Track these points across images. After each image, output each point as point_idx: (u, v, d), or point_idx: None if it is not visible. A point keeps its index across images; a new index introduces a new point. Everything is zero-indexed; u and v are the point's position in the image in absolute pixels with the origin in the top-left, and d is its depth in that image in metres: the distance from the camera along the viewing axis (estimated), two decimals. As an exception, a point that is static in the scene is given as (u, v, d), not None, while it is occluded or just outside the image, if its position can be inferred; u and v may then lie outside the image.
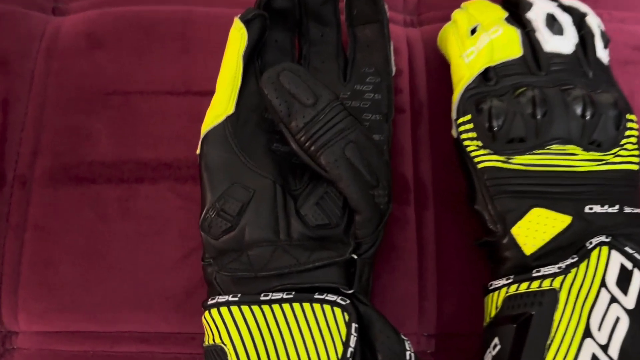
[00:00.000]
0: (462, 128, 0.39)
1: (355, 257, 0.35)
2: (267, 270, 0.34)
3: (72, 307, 0.40)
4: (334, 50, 0.42)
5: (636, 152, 0.38)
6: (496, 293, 0.36)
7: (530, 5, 0.41)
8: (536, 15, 0.40)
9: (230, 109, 0.37)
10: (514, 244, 0.36)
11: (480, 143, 0.38)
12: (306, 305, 0.33)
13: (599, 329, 0.32)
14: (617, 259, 0.33)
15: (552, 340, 0.32)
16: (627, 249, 0.34)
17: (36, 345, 0.40)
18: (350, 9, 0.42)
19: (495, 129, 0.38)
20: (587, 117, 0.37)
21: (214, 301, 0.34)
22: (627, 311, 0.32)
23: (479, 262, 0.40)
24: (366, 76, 0.41)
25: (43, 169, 0.42)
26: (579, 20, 0.41)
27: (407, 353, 0.33)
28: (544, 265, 0.34)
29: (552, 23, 0.40)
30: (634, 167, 0.37)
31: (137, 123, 0.43)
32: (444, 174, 0.43)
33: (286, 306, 0.33)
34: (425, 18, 0.50)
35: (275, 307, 0.32)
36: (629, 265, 0.33)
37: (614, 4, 0.49)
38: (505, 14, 0.41)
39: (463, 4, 0.43)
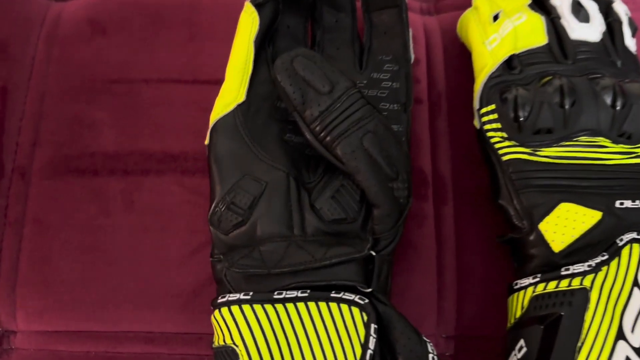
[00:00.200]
0: (485, 118, 0.38)
1: (374, 253, 0.34)
2: (280, 267, 0.33)
3: (72, 306, 0.39)
4: (349, 37, 0.41)
5: (668, 145, 0.36)
6: (522, 292, 0.35)
7: (554, -9, 0.40)
8: (561, 2, 0.39)
9: (241, 97, 0.36)
10: (542, 241, 0.35)
11: (505, 134, 0.37)
12: (322, 305, 0.32)
13: (632, 330, 0.31)
14: (650, 257, 0.32)
15: (582, 343, 0.31)
16: (660, 246, 0.32)
17: (35, 345, 0.40)
18: (366, -7, 0.40)
19: (521, 119, 0.36)
20: (618, 108, 0.36)
21: (224, 299, 0.33)
22: (662, 312, 0.31)
23: (501, 259, 0.39)
24: (383, 64, 0.40)
25: (43, 160, 0.42)
26: (605, 7, 0.41)
27: (430, 356, 0.32)
28: (572, 263, 0.33)
29: (578, 10, 0.39)
30: (666, 160, 0.36)
31: (142, 112, 0.43)
32: (464, 168, 0.42)
33: (301, 305, 0.32)
34: (442, 5, 0.49)
35: (290, 306, 0.32)
36: (662, 263, 0.32)
37: (641, -9, 0.49)
38: (529, 0, 0.40)
39: (484, -10, 0.42)
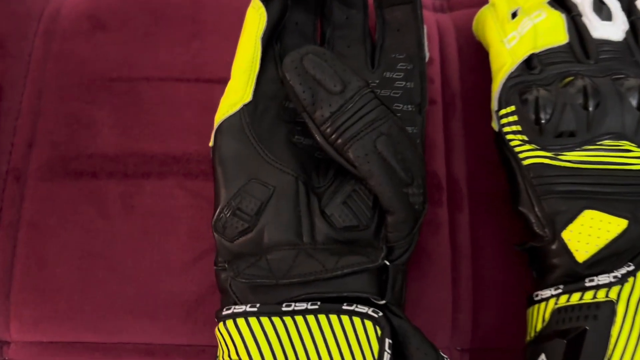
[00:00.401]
0: (504, 120, 0.37)
1: (388, 263, 0.33)
2: (289, 277, 0.32)
3: (69, 315, 0.38)
4: (360, 34, 0.40)
5: (695, 150, 0.35)
6: (542, 304, 0.34)
7: (574, -12, 0.39)
8: (582, -1, 0.38)
9: (248, 97, 0.35)
10: (565, 250, 0.34)
11: (525, 137, 0.36)
12: (333, 317, 0.31)
13: (663, 346, 0.30)
14: (678, 268, 0.31)
15: (609, 359, 0.30)
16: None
17: (29, 356, 0.39)
18: (378, -12, 0.40)
19: (542, 121, 0.35)
20: (644, 110, 0.35)
21: (229, 311, 0.32)
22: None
23: (519, 269, 0.38)
24: (397, 62, 0.39)
25: (39, 161, 0.41)
26: (628, 4, 0.39)
27: (448, 372, 0.31)
28: (597, 274, 0.32)
29: (600, 7, 0.38)
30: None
31: (143, 112, 0.42)
32: (480, 172, 0.41)
33: (311, 318, 0.31)
34: (456, 3, 0.48)
35: (299, 318, 0.31)
36: (691, 274, 0.31)
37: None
38: (548, -3, 0.39)
39: (502, -14, 0.41)
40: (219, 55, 0.41)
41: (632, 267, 0.32)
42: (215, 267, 0.35)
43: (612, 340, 0.30)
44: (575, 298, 0.32)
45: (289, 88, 0.33)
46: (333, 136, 0.32)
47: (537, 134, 0.36)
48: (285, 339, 0.31)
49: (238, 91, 0.36)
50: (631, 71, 0.37)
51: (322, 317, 0.31)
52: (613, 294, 0.31)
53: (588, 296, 0.32)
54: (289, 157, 0.35)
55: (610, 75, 0.36)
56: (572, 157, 0.35)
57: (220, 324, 0.32)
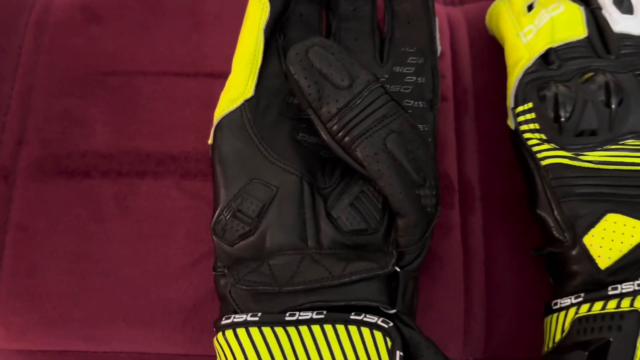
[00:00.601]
0: (521, 118, 0.37)
1: (398, 269, 0.33)
2: (293, 284, 0.31)
3: (59, 322, 0.38)
4: (367, 27, 0.39)
5: None
6: (562, 314, 0.33)
7: (594, -20, 0.39)
8: (602, -8, 0.38)
9: (249, 92, 0.35)
10: (586, 256, 0.33)
11: (543, 136, 0.36)
12: (340, 328, 0.30)
13: (692, 359, 0.29)
14: None
15: None
16: None
17: None
18: (387, -22, 0.39)
19: (562, 119, 0.35)
20: (668, 109, 0.35)
21: (228, 320, 0.31)
22: None
23: (535, 275, 0.38)
24: (407, 56, 0.38)
25: (29, 159, 0.41)
26: None
27: (463, 387, 0.29)
28: (620, 282, 0.32)
29: (621, 0, 0.38)
30: None
31: (139, 108, 0.42)
32: (494, 172, 0.41)
33: (316, 328, 0.30)
34: None
35: (303, 329, 0.30)
36: None
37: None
38: (566, -11, 0.39)
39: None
40: (219, 49, 0.41)
41: (657, 275, 0.31)
42: (214, 273, 0.34)
43: (638, 353, 0.29)
44: (597, 307, 0.31)
45: (294, 82, 0.32)
46: (340, 134, 0.31)
47: (556, 133, 0.35)
48: (289, 350, 0.30)
49: (239, 86, 0.35)
50: (654, 67, 0.37)
51: (328, 328, 0.30)
52: (638, 303, 0.30)
53: (611, 305, 0.31)
54: (293, 156, 0.34)
55: (632, 71, 0.36)
56: (594, 158, 0.34)
57: (219, 334, 0.31)
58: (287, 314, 0.30)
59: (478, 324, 0.39)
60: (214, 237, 0.33)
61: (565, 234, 0.34)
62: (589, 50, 0.37)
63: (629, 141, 0.34)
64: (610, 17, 0.37)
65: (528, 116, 0.36)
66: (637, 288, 0.31)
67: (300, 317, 0.30)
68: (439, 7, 0.46)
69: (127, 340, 0.38)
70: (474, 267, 0.39)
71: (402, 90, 0.37)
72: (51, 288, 0.38)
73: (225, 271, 0.33)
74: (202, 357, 0.38)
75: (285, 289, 0.31)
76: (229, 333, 0.30)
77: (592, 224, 0.33)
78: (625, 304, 0.30)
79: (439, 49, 0.39)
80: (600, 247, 0.33)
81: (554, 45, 0.37)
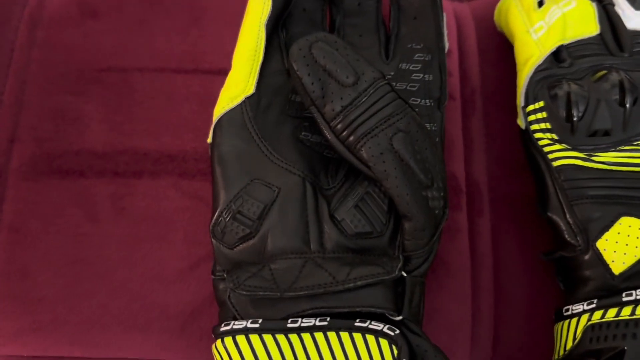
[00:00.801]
0: (532, 117, 0.36)
1: (405, 274, 0.32)
2: (295, 289, 0.30)
3: (53, 327, 0.37)
4: (373, 23, 0.38)
5: None
6: (574, 320, 0.33)
7: (606, -24, 0.39)
8: (614, -12, 0.38)
9: (250, 89, 0.34)
10: (599, 261, 0.33)
11: (555, 136, 0.36)
12: (344, 335, 0.29)
13: None
14: None
15: None
16: None
17: None
18: (393, -28, 0.39)
19: (574, 119, 0.35)
20: (685, 108, 0.35)
21: (228, 327, 0.31)
22: None
23: (545, 280, 0.38)
24: (413, 53, 0.37)
25: (21, 158, 0.40)
26: None
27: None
28: (634, 288, 0.31)
29: None
30: None
31: (136, 106, 0.41)
32: (502, 174, 0.41)
33: (319, 336, 0.30)
34: None
35: (306, 336, 0.30)
36: None
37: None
38: (578, -16, 0.38)
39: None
40: (219, 44, 0.41)
41: (673, 280, 0.31)
42: (212, 277, 0.34)
43: (654, 362, 0.29)
44: (611, 314, 0.31)
45: (296, 79, 0.31)
46: (344, 133, 0.31)
47: (568, 133, 0.35)
48: (291, 358, 0.29)
49: (240, 83, 0.34)
50: (669, 65, 0.37)
51: (331, 335, 0.29)
52: (654, 311, 0.30)
53: (626, 312, 0.30)
54: (296, 156, 0.33)
55: (646, 69, 0.36)
56: (607, 159, 0.34)
57: (218, 341, 0.31)
58: (289, 321, 0.30)
59: (485, 330, 0.38)
60: (213, 239, 0.33)
61: (578, 238, 0.33)
62: (601, 48, 0.37)
63: (644, 142, 0.34)
64: (623, 13, 0.37)
65: (539, 115, 0.36)
66: (652, 294, 0.30)
67: (302, 324, 0.30)
68: (445, 3, 0.46)
69: (123, 346, 0.37)
70: (482, 271, 0.39)
71: (408, 88, 0.37)
72: (44, 291, 0.38)
73: (225, 275, 0.32)
74: (201, 364, 0.36)
75: (287, 295, 0.30)
76: (228, 340, 0.30)
77: (606, 228, 0.33)
78: (640, 311, 0.30)
79: (447, 45, 0.38)
80: (614, 251, 0.32)
81: (566, 42, 0.37)
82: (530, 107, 0.36)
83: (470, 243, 0.39)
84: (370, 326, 0.29)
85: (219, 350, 0.30)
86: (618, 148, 0.34)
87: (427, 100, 0.36)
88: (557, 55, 0.37)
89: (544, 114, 0.35)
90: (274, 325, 0.30)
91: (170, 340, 0.37)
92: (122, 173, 0.40)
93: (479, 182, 0.41)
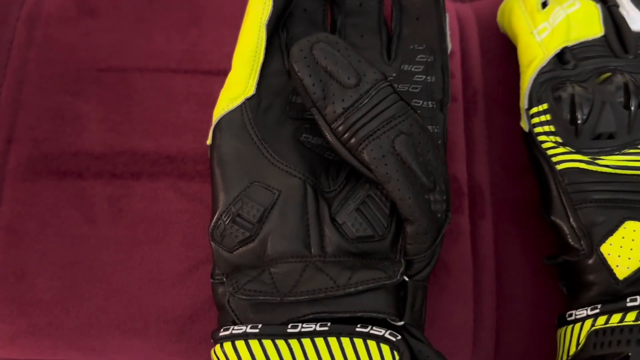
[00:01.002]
0: (535, 120, 0.36)
1: (407, 279, 0.32)
2: (295, 294, 0.30)
3: (49, 331, 0.37)
4: (374, 23, 0.38)
5: None
6: (577, 326, 0.33)
7: (610, -23, 0.39)
8: (619, -11, 0.38)
9: (250, 91, 0.34)
10: (603, 266, 0.33)
11: (559, 139, 0.35)
12: (345, 341, 0.29)
13: None
14: None
15: None
16: None
17: None
18: (394, -27, 0.38)
19: (579, 121, 0.35)
20: (690, 111, 0.35)
21: (227, 332, 0.30)
22: None
23: (548, 284, 0.38)
24: (415, 54, 0.37)
25: (18, 159, 0.40)
26: None
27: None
28: (639, 293, 0.31)
29: None
30: None
31: (134, 106, 0.41)
32: (505, 177, 0.41)
33: (320, 341, 0.29)
34: None
35: (306, 342, 0.29)
36: None
37: None
38: (582, -15, 0.38)
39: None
40: (219, 44, 0.40)
41: (678, 286, 0.31)
42: (211, 280, 0.33)
43: (659, 368, 0.29)
44: (615, 319, 0.31)
45: (297, 80, 0.31)
46: (346, 135, 0.30)
47: (572, 136, 0.35)
48: None
49: (240, 83, 0.34)
50: (674, 68, 0.37)
51: (332, 340, 0.29)
52: (658, 316, 0.30)
53: (630, 317, 0.30)
54: (296, 158, 0.33)
55: (651, 71, 0.36)
56: (611, 162, 0.34)
57: (217, 347, 0.30)
58: (289, 326, 0.30)
59: (487, 335, 0.38)
60: (212, 242, 0.32)
61: (582, 242, 0.33)
62: (605, 50, 0.36)
63: (648, 145, 0.34)
64: (627, 15, 0.37)
65: (543, 118, 0.35)
66: (657, 300, 0.30)
67: (303, 329, 0.29)
68: (447, 4, 0.44)
69: (120, 350, 0.37)
70: (484, 275, 0.39)
71: (410, 89, 0.36)
72: (41, 294, 0.37)
73: (224, 279, 0.32)
74: (199, 367, 0.36)
75: (288, 299, 0.30)
76: (228, 345, 0.30)
77: (610, 232, 0.33)
78: (645, 316, 0.30)
79: (450, 46, 0.38)
80: (619, 256, 0.32)
81: (570, 44, 0.37)
82: (534, 110, 0.36)
83: (472, 246, 0.39)
84: (371, 332, 0.29)
85: (218, 355, 0.30)
86: (623, 151, 0.34)
87: (430, 102, 0.36)
88: (561, 57, 0.37)
89: (548, 117, 0.35)
90: (274, 331, 0.30)
91: (169, 344, 0.37)
92: (120, 174, 0.40)
93: (481, 185, 0.40)
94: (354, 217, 0.31)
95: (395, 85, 0.36)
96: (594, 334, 0.31)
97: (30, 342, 0.37)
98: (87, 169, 0.40)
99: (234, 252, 0.32)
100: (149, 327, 0.37)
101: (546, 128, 0.35)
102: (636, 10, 0.37)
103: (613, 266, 0.32)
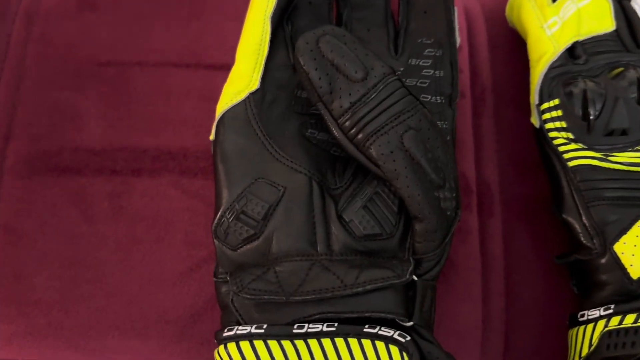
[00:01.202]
0: (547, 115, 0.36)
1: (416, 278, 0.31)
2: (301, 293, 0.29)
3: (48, 331, 0.37)
4: (381, 16, 0.37)
5: None
6: (589, 326, 0.32)
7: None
8: (630, -18, 0.38)
9: (254, 85, 0.33)
10: (617, 265, 0.32)
11: (570, 135, 0.35)
12: (353, 342, 0.29)
13: None
14: None
15: None
16: None
17: None
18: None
19: (591, 117, 0.35)
20: None
21: (231, 332, 0.30)
22: None
23: (559, 284, 0.37)
24: (424, 48, 0.36)
25: (17, 156, 0.40)
26: None
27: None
28: None
29: None
30: None
31: (135, 101, 0.41)
32: (514, 174, 0.40)
33: (327, 342, 0.29)
34: None
35: (313, 342, 0.29)
36: None
37: None
38: (592, -22, 0.38)
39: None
40: (222, 38, 0.40)
41: (693, 286, 0.31)
42: (214, 279, 0.33)
43: (675, 370, 0.29)
44: (629, 320, 0.30)
45: (303, 74, 0.31)
46: (353, 130, 0.30)
47: (584, 132, 0.34)
48: None
49: (244, 77, 0.33)
50: (687, 62, 0.36)
51: (339, 341, 0.29)
52: (675, 317, 0.30)
53: None
54: (302, 154, 0.33)
55: (664, 66, 0.35)
56: (624, 159, 0.33)
57: (221, 347, 0.30)
58: (295, 326, 0.29)
59: (496, 336, 0.37)
60: (215, 240, 0.32)
61: (594, 241, 0.33)
62: (617, 44, 0.36)
63: (662, 141, 0.33)
64: (639, 9, 0.37)
65: (554, 113, 0.35)
66: (672, 300, 0.30)
67: (309, 330, 0.29)
68: (454, -1, 0.45)
69: (121, 351, 0.37)
70: (493, 274, 0.38)
71: (418, 84, 0.35)
72: (39, 294, 0.37)
73: (227, 278, 0.32)
74: (202, 369, 0.36)
75: (293, 299, 0.29)
76: (232, 346, 0.29)
77: (624, 231, 0.32)
78: (660, 317, 0.30)
79: (459, 40, 0.37)
80: (633, 255, 0.31)
81: (581, 38, 0.37)
82: (545, 105, 0.35)
83: (481, 245, 0.39)
84: (380, 332, 0.29)
85: (222, 356, 0.29)
86: (636, 148, 0.33)
87: (438, 97, 0.35)
88: (572, 51, 0.37)
89: (559, 112, 0.35)
90: (280, 331, 0.29)
91: (170, 345, 0.36)
92: (120, 171, 0.39)
93: (489, 182, 0.40)
94: (361, 215, 0.31)
95: (404, 80, 0.35)
96: (607, 335, 0.31)
97: (29, 343, 0.36)
98: (86, 166, 0.39)
99: (238, 250, 0.31)
100: (150, 327, 0.36)
101: (557, 124, 0.35)
102: (648, 3, 0.36)
103: (627, 265, 0.32)
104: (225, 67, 0.35)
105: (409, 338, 0.29)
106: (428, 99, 0.35)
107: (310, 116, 0.34)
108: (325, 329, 0.29)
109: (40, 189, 0.39)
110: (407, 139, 0.30)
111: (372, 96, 0.30)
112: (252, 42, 0.34)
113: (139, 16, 0.43)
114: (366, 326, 0.29)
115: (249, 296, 0.30)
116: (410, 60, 0.36)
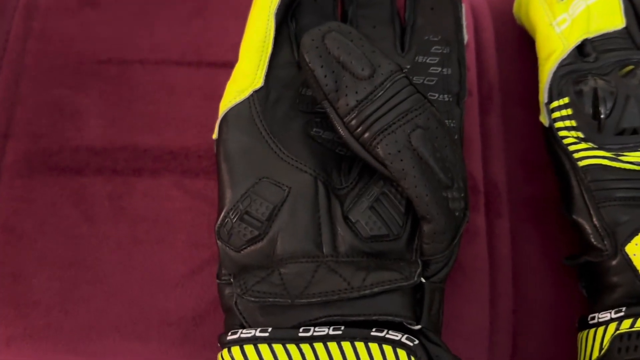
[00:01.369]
0: (556, 114, 0.35)
1: (424, 280, 0.31)
2: (307, 296, 0.29)
3: (47, 333, 0.36)
4: (387, 13, 0.37)
5: None
6: (600, 329, 0.32)
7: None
8: (640, -22, 0.38)
9: (258, 83, 0.33)
10: (628, 267, 0.32)
11: (580, 134, 0.34)
12: (360, 346, 0.28)
13: None
14: None
15: None
16: None
17: None
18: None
19: (602, 116, 0.34)
20: None
21: (235, 336, 0.29)
22: None
23: (568, 286, 0.37)
24: (431, 45, 0.36)
25: (16, 155, 0.40)
26: None
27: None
28: None
29: None
30: None
31: (136, 100, 0.41)
32: (522, 174, 0.40)
33: (333, 346, 0.28)
34: None
35: (319, 346, 0.28)
36: None
37: None
38: (602, -26, 0.38)
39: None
40: (224, 35, 0.40)
41: None
42: (217, 281, 0.32)
43: (688, 374, 0.28)
44: None
45: (308, 72, 0.30)
46: (359, 129, 0.30)
47: (595, 131, 0.34)
48: None
49: (247, 75, 0.33)
50: (699, 60, 0.36)
51: (346, 345, 0.28)
52: (688, 320, 0.29)
53: None
54: (307, 153, 0.32)
55: (675, 64, 0.35)
56: (635, 158, 0.33)
57: (224, 351, 0.29)
58: (301, 330, 0.29)
59: (504, 338, 0.37)
60: (218, 241, 0.32)
61: (605, 242, 0.32)
62: (627, 42, 0.36)
63: (674, 141, 0.33)
64: None
65: (564, 112, 0.35)
66: (685, 303, 0.29)
67: (315, 333, 0.28)
68: (460, -5, 0.45)
69: (121, 354, 0.36)
70: (501, 276, 0.38)
71: (425, 82, 0.35)
72: (38, 295, 0.37)
73: (231, 280, 0.31)
74: (204, 373, 0.36)
75: (299, 302, 0.29)
76: (236, 350, 0.29)
77: (636, 231, 0.32)
78: (673, 320, 0.29)
79: (466, 38, 0.37)
80: None
81: (590, 35, 0.36)
82: (555, 104, 0.35)
83: (489, 246, 0.38)
84: (387, 336, 0.28)
85: (225, 360, 0.29)
86: (647, 148, 0.33)
87: (446, 95, 0.35)
88: (581, 49, 0.36)
89: (569, 111, 0.34)
90: (285, 334, 0.29)
91: (171, 348, 0.36)
92: (121, 171, 0.39)
93: (497, 182, 0.40)
94: (368, 215, 0.30)
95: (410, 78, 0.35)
96: (618, 338, 0.30)
97: (28, 345, 0.36)
98: (86, 165, 0.39)
99: (242, 252, 0.31)
100: (151, 330, 0.36)
101: (567, 123, 0.34)
102: (659, 1, 0.36)
103: (638, 267, 0.31)
104: (228, 64, 0.35)
105: (417, 342, 0.28)
106: (435, 97, 0.35)
107: (316, 114, 0.34)
108: (331, 332, 0.28)
109: (40, 188, 0.39)
110: (415, 137, 0.29)
111: (379, 94, 0.29)
112: (255, 39, 0.34)
113: (141, 13, 0.43)
114: (373, 329, 0.28)
115: (253, 299, 0.30)
116: (417, 58, 0.36)
